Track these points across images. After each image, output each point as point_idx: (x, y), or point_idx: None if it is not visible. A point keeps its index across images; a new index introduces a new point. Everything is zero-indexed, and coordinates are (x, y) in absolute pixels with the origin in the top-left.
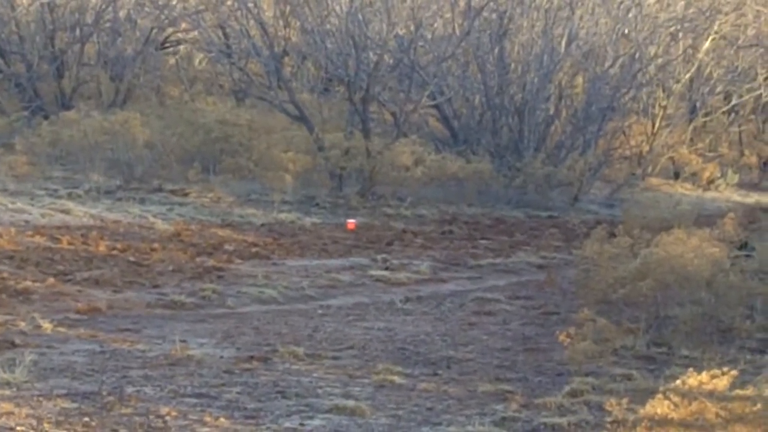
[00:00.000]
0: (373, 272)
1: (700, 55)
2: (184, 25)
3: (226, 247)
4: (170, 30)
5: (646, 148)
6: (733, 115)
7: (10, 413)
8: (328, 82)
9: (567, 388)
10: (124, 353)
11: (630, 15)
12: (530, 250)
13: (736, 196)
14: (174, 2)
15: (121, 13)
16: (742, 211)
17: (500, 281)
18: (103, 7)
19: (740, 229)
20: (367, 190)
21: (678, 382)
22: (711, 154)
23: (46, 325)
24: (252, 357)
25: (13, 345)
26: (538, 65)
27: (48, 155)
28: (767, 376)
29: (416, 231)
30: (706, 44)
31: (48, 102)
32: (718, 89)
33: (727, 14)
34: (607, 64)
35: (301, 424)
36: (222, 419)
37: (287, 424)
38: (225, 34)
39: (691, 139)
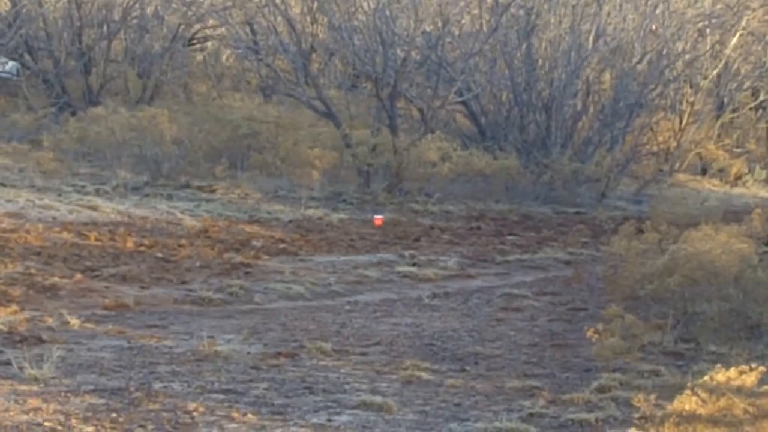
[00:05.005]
0: (400, 268)
1: (727, 51)
2: (211, 22)
3: (254, 243)
4: (197, 26)
5: (674, 144)
6: (760, 111)
7: (38, 409)
8: (355, 79)
9: (594, 384)
10: (152, 349)
11: (657, 11)
12: (558, 246)
13: (764, 192)
14: None
15: (149, 10)
16: None
17: (528, 277)
18: (131, 3)
19: None
20: (394, 186)
21: (706, 378)
22: (738, 150)
23: (74, 321)
24: (279, 353)
25: (41, 341)
26: (565, 61)
27: (75, 152)
28: None
29: (443, 227)
30: (734, 40)
31: (75, 98)
32: (746, 85)
33: (754, 10)
34: (634, 60)
35: (329, 420)
36: (249, 415)
37: (314, 420)
38: (252, 31)
39: (719, 135)
